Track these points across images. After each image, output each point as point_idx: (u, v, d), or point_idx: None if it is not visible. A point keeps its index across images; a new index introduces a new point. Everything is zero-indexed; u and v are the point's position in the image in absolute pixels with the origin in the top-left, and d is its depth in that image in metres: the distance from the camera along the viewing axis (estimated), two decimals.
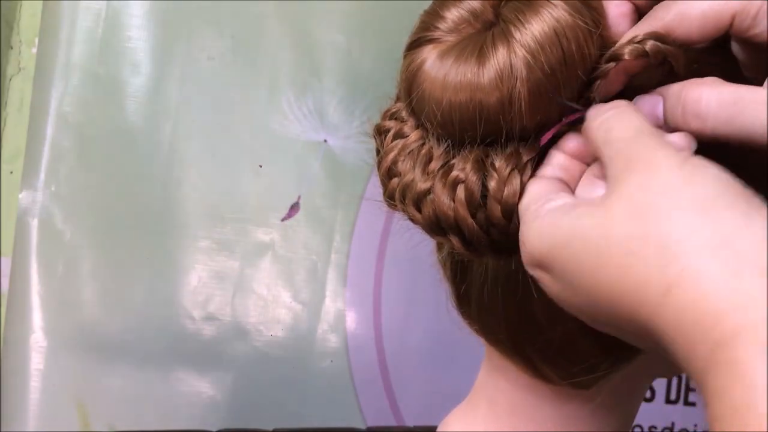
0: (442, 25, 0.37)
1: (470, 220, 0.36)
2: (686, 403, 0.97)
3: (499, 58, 0.34)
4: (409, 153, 0.38)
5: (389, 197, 0.39)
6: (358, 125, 0.90)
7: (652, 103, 0.34)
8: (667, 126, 0.34)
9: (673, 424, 0.97)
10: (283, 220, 0.90)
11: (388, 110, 0.40)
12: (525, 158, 0.35)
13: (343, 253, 0.91)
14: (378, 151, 0.40)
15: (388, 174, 0.39)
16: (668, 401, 0.97)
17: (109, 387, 0.88)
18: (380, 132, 0.40)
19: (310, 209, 0.90)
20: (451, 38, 0.36)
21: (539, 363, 0.41)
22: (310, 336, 0.90)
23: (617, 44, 0.35)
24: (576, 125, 0.35)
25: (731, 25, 0.33)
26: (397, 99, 0.40)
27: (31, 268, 0.87)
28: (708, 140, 0.33)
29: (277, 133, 0.90)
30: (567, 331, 0.39)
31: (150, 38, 0.88)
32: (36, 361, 0.87)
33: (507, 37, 0.34)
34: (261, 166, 0.90)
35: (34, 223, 0.87)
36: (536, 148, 0.35)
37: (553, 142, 0.36)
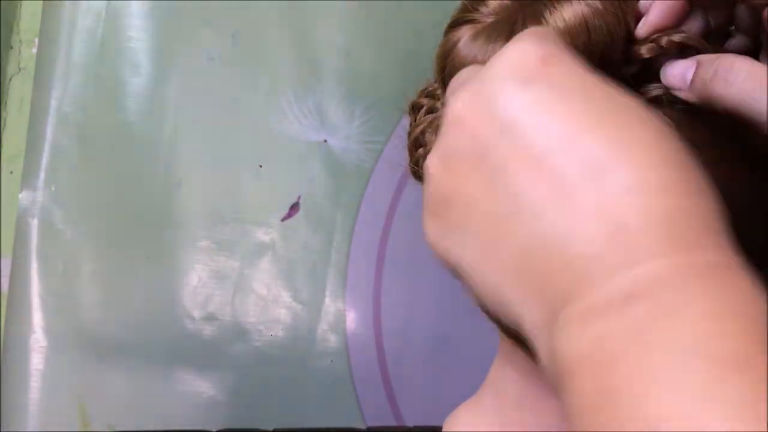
0: (483, 9, 0.38)
1: None
2: None
3: None
4: (436, 126, 0.40)
5: (414, 165, 0.41)
6: (358, 125, 0.90)
7: (684, 66, 0.35)
8: (690, 90, 0.35)
9: None
10: (283, 220, 0.90)
11: (424, 89, 0.42)
12: None
13: (343, 253, 0.91)
14: (410, 126, 0.43)
15: (415, 144, 0.41)
16: None
17: (109, 387, 0.88)
18: (414, 108, 0.42)
19: (310, 209, 0.90)
20: (488, 21, 0.38)
21: None
22: (310, 336, 0.90)
23: (636, 46, 0.36)
24: None
25: None
26: (435, 79, 0.42)
27: (31, 268, 0.87)
28: (723, 109, 0.34)
29: (277, 133, 0.90)
30: None
31: (150, 38, 0.88)
32: (36, 361, 0.87)
33: (538, 18, 0.35)
34: (261, 166, 0.90)
35: (34, 223, 0.87)
36: None
37: None
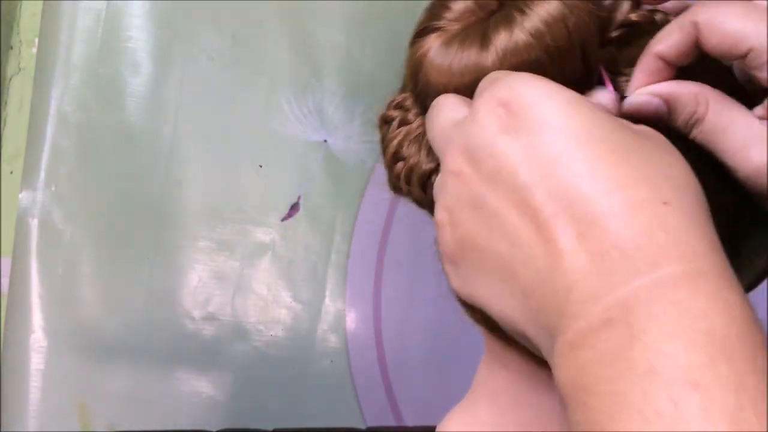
0: (448, 15, 0.38)
1: None
2: None
3: (502, 40, 0.35)
4: (414, 138, 0.40)
5: (395, 181, 0.41)
6: (358, 125, 0.90)
7: (651, 102, 0.35)
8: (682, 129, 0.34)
9: None
10: (283, 220, 0.90)
11: (392, 101, 0.42)
12: None
13: (343, 253, 0.91)
14: (383, 140, 0.42)
15: (394, 158, 0.40)
16: None
17: (109, 387, 0.88)
18: (385, 121, 0.42)
19: (310, 209, 0.90)
20: (455, 27, 0.37)
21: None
22: (310, 336, 0.90)
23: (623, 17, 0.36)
24: None
25: (744, 55, 0.33)
26: (401, 90, 0.41)
27: (31, 268, 0.87)
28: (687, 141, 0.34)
29: (277, 133, 0.90)
30: None
31: (150, 38, 0.88)
32: (36, 361, 0.87)
33: (509, 21, 0.35)
34: (261, 166, 0.90)
35: (34, 223, 0.87)
36: None
37: None
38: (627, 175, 0.27)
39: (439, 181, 0.34)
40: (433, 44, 0.37)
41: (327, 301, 0.91)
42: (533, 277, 0.28)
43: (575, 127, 0.29)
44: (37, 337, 0.87)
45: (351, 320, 0.91)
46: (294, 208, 0.90)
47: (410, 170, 0.39)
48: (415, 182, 0.39)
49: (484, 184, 0.30)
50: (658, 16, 0.36)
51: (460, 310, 0.44)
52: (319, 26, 0.90)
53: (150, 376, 0.88)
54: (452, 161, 0.32)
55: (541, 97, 0.30)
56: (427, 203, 0.39)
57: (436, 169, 0.38)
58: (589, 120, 0.29)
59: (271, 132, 0.89)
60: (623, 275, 0.26)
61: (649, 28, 0.36)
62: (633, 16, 0.36)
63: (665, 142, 0.31)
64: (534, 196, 0.29)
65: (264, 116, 0.89)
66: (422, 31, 0.38)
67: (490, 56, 0.35)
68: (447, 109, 0.35)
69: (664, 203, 0.27)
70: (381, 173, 0.94)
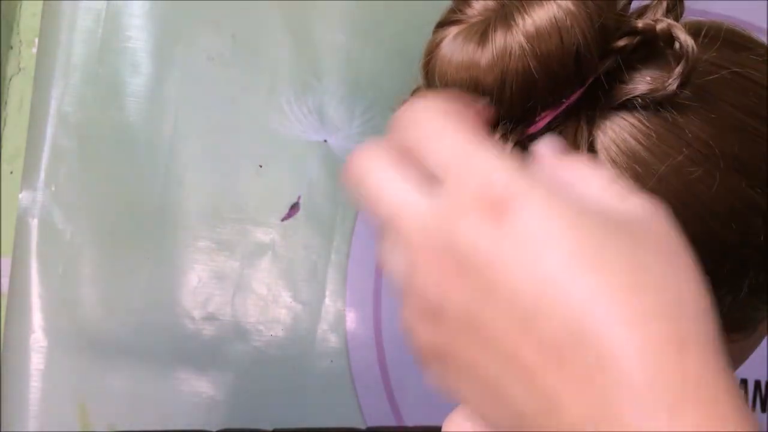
0: (468, 11, 0.38)
1: None
2: None
3: (497, 42, 0.35)
4: None
5: None
6: (358, 125, 0.90)
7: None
8: None
9: None
10: (283, 220, 0.90)
11: (417, 88, 0.42)
12: (510, 143, 0.36)
13: (343, 253, 0.91)
14: None
15: None
16: None
17: (109, 387, 0.88)
18: None
19: (310, 209, 0.90)
20: (473, 21, 0.38)
21: None
22: (310, 336, 0.90)
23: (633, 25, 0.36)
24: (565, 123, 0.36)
25: None
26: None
27: (31, 268, 0.87)
28: None
29: (277, 133, 0.90)
30: None
31: (150, 38, 0.88)
32: (36, 361, 0.87)
33: (508, 22, 0.35)
34: (261, 166, 0.90)
35: (34, 223, 0.87)
36: (521, 133, 0.36)
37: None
38: (641, 304, 0.25)
39: (397, 269, 0.30)
40: (448, 35, 0.38)
41: (327, 301, 0.91)
42: (533, 403, 0.27)
43: (581, 245, 0.26)
44: (37, 337, 0.87)
45: (351, 320, 0.91)
46: (294, 208, 0.90)
47: None
48: None
49: (476, 295, 0.27)
50: (661, 25, 0.36)
51: None
52: (319, 26, 0.90)
53: (150, 376, 0.88)
54: (430, 260, 0.28)
55: (537, 201, 0.27)
56: None
57: None
58: (593, 233, 0.27)
59: (271, 132, 0.89)
60: (637, 419, 0.25)
61: (656, 36, 0.36)
62: (639, 24, 0.36)
63: (663, 221, 0.28)
64: (538, 323, 0.26)
65: (264, 116, 0.89)
66: (443, 22, 0.39)
67: (485, 56, 0.35)
68: (397, 181, 0.30)
69: (681, 341, 0.25)
70: None
